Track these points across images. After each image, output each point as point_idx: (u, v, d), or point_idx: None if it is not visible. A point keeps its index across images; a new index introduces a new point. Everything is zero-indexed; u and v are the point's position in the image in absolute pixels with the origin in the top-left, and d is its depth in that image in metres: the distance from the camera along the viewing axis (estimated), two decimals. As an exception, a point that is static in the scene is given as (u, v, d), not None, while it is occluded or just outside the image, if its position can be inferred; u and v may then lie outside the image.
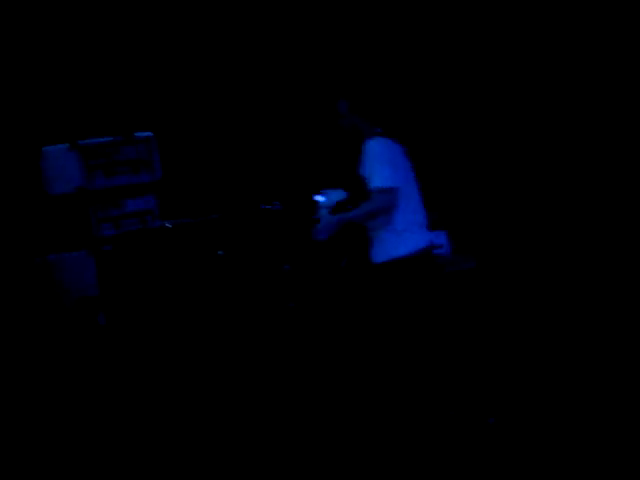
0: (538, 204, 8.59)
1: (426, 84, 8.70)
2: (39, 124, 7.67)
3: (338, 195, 6.64)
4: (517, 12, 8.43)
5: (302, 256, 7.51)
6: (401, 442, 6.02)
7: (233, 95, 8.59)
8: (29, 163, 7.41)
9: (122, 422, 6.67)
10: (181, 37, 8.32)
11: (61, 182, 7.33)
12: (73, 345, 7.05)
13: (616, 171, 8.42)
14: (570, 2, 8.30)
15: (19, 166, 7.63)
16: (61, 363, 6.98)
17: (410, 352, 6.13)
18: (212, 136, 8.53)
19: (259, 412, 6.72)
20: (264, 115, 8.68)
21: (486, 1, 8.52)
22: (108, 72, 8.06)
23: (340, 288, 7.79)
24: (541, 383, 6.92)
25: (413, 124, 8.32)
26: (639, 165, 8.35)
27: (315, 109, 8.34)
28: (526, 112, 8.57)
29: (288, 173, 8.53)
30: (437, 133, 8.69)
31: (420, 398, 6.11)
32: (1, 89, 7.70)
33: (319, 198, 7.49)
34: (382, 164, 6.16)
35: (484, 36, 8.54)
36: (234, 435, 6.49)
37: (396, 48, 8.68)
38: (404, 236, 6.23)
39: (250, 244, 7.32)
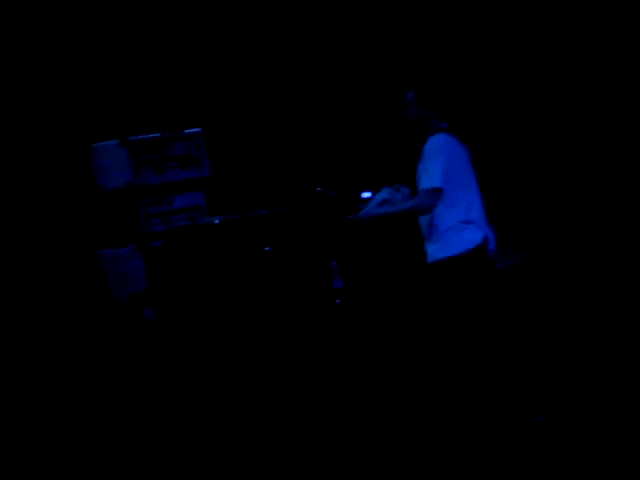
0: (583, 199, 8.52)
1: (490, 79, 8.63)
2: (89, 120, 7.74)
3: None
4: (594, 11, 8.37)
5: (350, 253, 7.52)
6: (448, 438, 6.03)
7: (283, 87, 8.57)
8: (80, 159, 7.48)
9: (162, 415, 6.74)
10: (230, 32, 8.34)
11: (111, 178, 7.39)
12: (120, 339, 7.12)
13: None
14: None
15: (70, 162, 7.71)
16: (106, 356, 7.05)
17: (461, 348, 6.12)
18: (262, 132, 8.54)
19: (304, 405, 6.75)
20: (317, 109, 8.66)
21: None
22: (157, 68, 8.11)
23: (395, 285, 7.80)
24: (592, 381, 6.87)
25: (479, 119, 8.27)
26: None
27: (377, 101, 8.29)
28: (581, 112, 8.51)
29: (343, 170, 8.52)
30: (499, 128, 8.62)
31: (471, 395, 6.11)
32: (52, 86, 7.78)
33: (366, 195, 7.50)
34: (435, 163, 6.14)
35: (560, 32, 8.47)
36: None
37: (469, 41, 8.60)
38: (458, 234, 6.21)
39: (297, 240, 7.34)
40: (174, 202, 7.57)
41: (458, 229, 6.22)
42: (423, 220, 6.29)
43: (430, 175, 6.11)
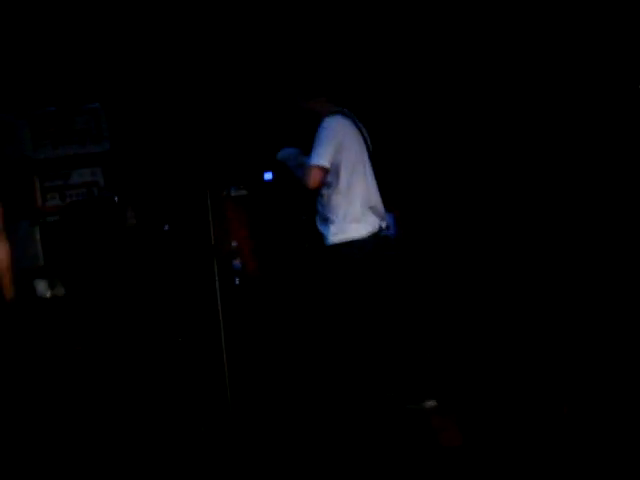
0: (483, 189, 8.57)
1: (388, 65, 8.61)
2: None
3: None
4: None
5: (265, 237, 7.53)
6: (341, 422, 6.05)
7: (185, 65, 8.47)
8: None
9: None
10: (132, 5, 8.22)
11: (7, 150, 7.26)
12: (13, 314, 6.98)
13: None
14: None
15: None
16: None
17: (353, 332, 6.17)
18: (164, 109, 8.44)
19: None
20: (220, 90, 8.59)
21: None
22: (57, 41, 7.95)
23: (300, 269, 7.82)
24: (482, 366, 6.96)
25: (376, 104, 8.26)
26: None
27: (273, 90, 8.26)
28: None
29: (239, 151, 8.47)
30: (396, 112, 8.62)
31: (363, 378, 6.14)
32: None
33: (268, 176, 7.49)
34: (324, 145, 6.23)
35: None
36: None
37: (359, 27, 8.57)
38: (356, 220, 6.28)
39: (197, 220, 7.31)
40: (71, 177, 7.45)
41: (355, 215, 6.27)
42: (320, 206, 6.33)
43: (317, 154, 6.20)
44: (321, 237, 6.37)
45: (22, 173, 7.29)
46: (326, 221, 6.31)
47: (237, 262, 7.31)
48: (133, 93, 8.26)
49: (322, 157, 6.18)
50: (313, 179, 6.19)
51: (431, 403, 6.22)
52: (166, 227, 7.19)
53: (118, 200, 7.17)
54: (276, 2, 8.29)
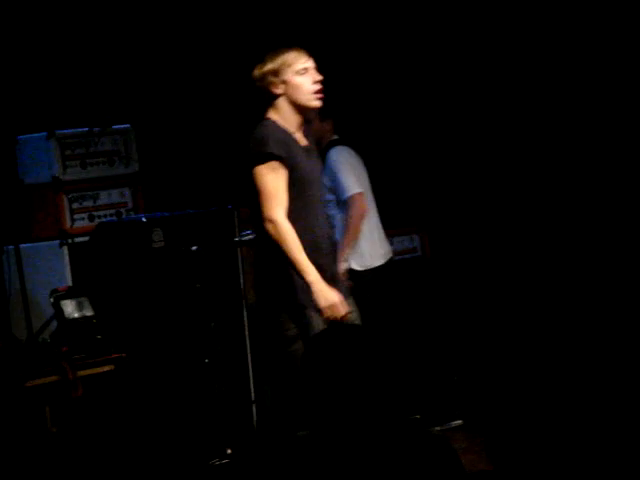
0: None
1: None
2: (15, 112, 7.60)
3: None
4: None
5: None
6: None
7: (215, 83, 8.46)
8: (3, 151, 7.35)
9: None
10: (162, 26, 8.23)
11: (36, 171, 7.29)
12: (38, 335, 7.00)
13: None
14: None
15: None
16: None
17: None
18: (193, 130, 8.45)
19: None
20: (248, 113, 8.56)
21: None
22: (87, 61, 7.99)
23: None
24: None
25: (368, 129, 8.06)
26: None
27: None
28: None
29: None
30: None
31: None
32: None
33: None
34: (347, 175, 6.23)
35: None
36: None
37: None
38: (370, 248, 6.29)
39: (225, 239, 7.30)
40: (100, 198, 7.47)
41: (372, 242, 6.29)
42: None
43: (348, 183, 6.19)
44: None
45: (51, 193, 7.31)
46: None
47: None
48: (162, 114, 8.28)
49: (355, 184, 6.20)
50: (363, 205, 6.16)
51: (457, 424, 6.16)
52: (194, 248, 7.18)
53: (146, 221, 7.17)
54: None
